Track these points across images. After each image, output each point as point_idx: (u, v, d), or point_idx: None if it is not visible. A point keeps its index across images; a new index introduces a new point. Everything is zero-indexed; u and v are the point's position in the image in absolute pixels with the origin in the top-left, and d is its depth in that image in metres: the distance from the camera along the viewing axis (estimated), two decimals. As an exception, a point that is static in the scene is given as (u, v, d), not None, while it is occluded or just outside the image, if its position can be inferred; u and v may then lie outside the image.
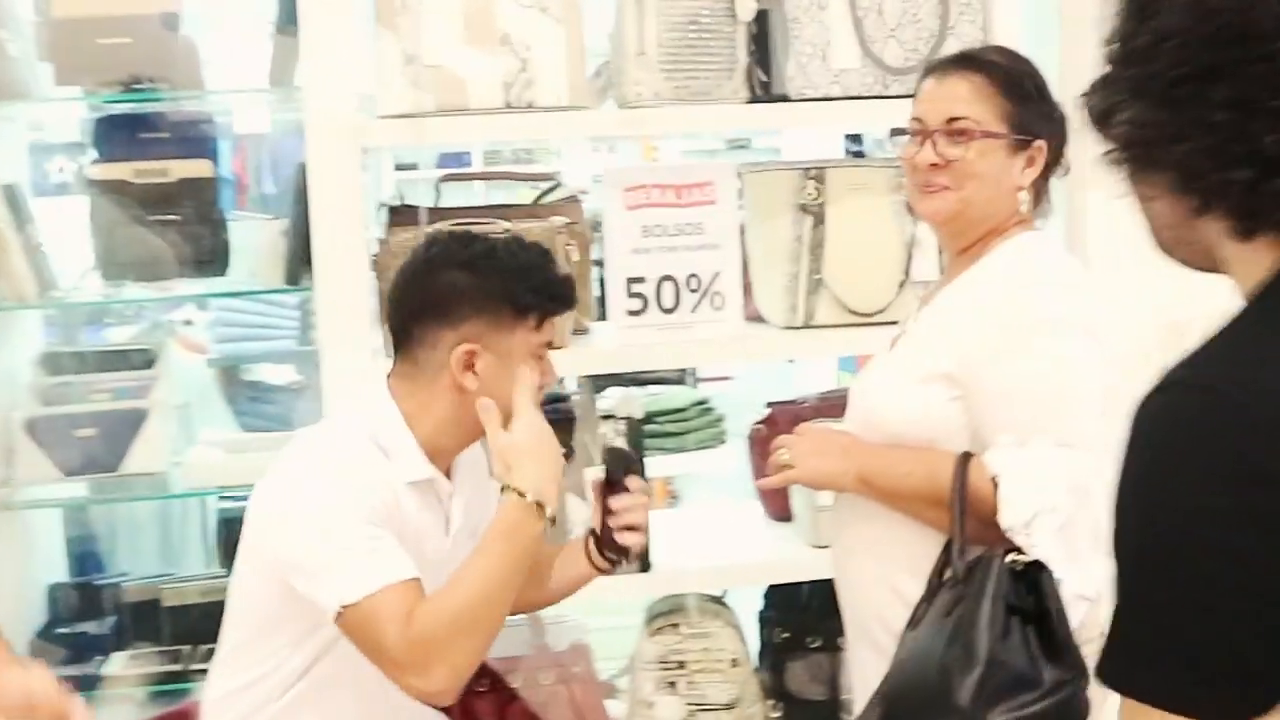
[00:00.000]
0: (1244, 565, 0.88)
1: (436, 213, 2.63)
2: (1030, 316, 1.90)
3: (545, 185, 2.83)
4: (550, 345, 2.00)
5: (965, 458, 1.86)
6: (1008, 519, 1.77)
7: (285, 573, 1.85)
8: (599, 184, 5.14)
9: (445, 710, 2.00)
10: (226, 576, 2.00)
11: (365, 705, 1.95)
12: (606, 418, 2.69)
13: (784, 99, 2.69)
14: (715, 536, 2.93)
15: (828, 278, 2.71)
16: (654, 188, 2.66)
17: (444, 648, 1.77)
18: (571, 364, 2.64)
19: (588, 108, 2.63)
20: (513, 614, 2.00)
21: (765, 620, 2.89)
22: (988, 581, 1.72)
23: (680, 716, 2.67)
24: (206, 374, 3.51)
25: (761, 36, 2.70)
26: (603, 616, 3.08)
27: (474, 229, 2.23)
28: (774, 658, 2.82)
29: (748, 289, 2.79)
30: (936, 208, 2.02)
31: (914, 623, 1.86)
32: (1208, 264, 1.06)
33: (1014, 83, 2.01)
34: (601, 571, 2.12)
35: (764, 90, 2.71)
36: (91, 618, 3.00)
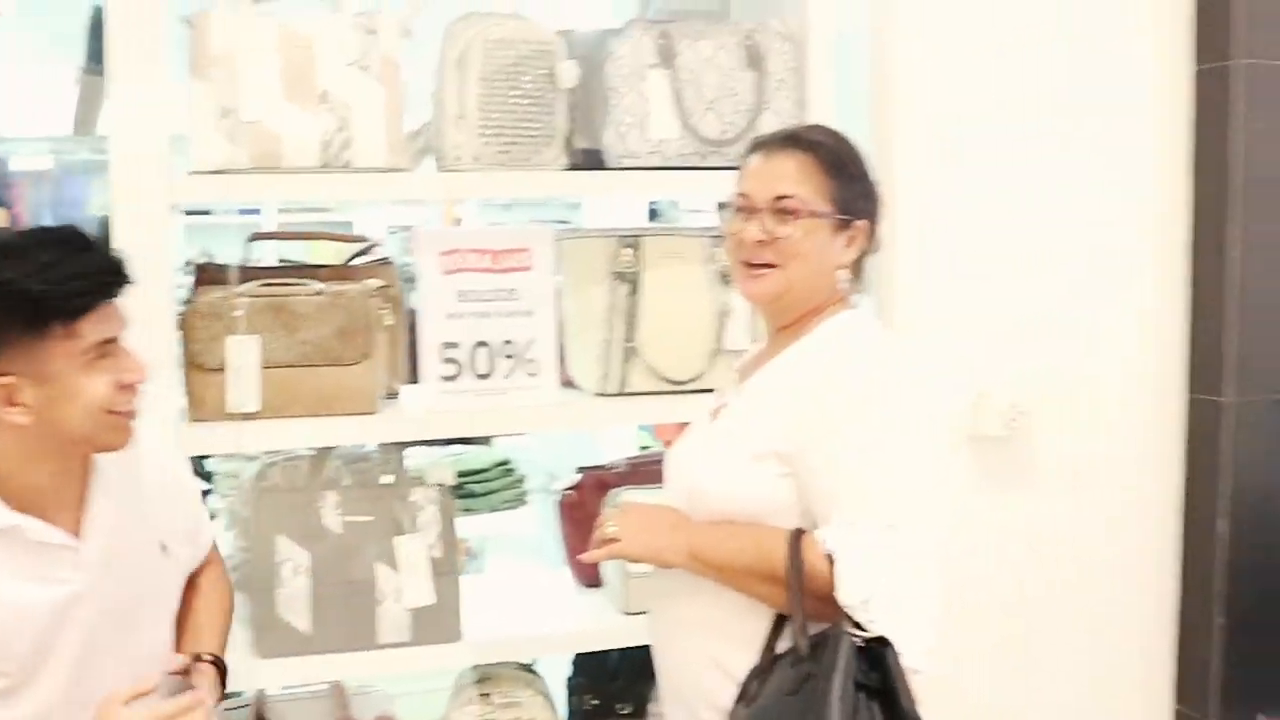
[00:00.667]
0: None
1: (247, 271, 2.55)
2: (853, 397, 1.92)
3: (358, 246, 2.77)
4: (109, 341, 1.80)
5: (798, 534, 1.88)
6: (846, 596, 1.79)
7: None
8: (393, 235, 5.11)
9: None
10: None
11: None
12: (416, 483, 2.64)
13: (602, 166, 2.70)
14: (525, 603, 2.90)
15: (641, 345, 2.73)
16: (470, 252, 2.64)
17: None
18: (384, 430, 2.59)
19: (405, 169, 2.59)
20: None
21: (574, 687, 2.88)
22: (838, 658, 1.74)
23: (490, 788, 2.63)
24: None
25: (581, 104, 2.71)
26: (407, 682, 3.02)
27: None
28: (583, 725, 2.80)
29: (562, 354, 2.78)
30: (763, 289, 2.05)
31: (747, 698, 1.87)
32: None
33: (838, 163, 2.05)
34: None
35: (583, 157, 2.71)
36: None
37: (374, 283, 2.59)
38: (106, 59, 2.42)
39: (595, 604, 2.85)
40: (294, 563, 2.52)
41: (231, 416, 2.47)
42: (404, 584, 2.55)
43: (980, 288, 3.02)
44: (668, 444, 4.05)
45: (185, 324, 2.49)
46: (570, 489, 2.94)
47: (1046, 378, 3.06)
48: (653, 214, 4.48)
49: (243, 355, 2.48)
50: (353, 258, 2.74)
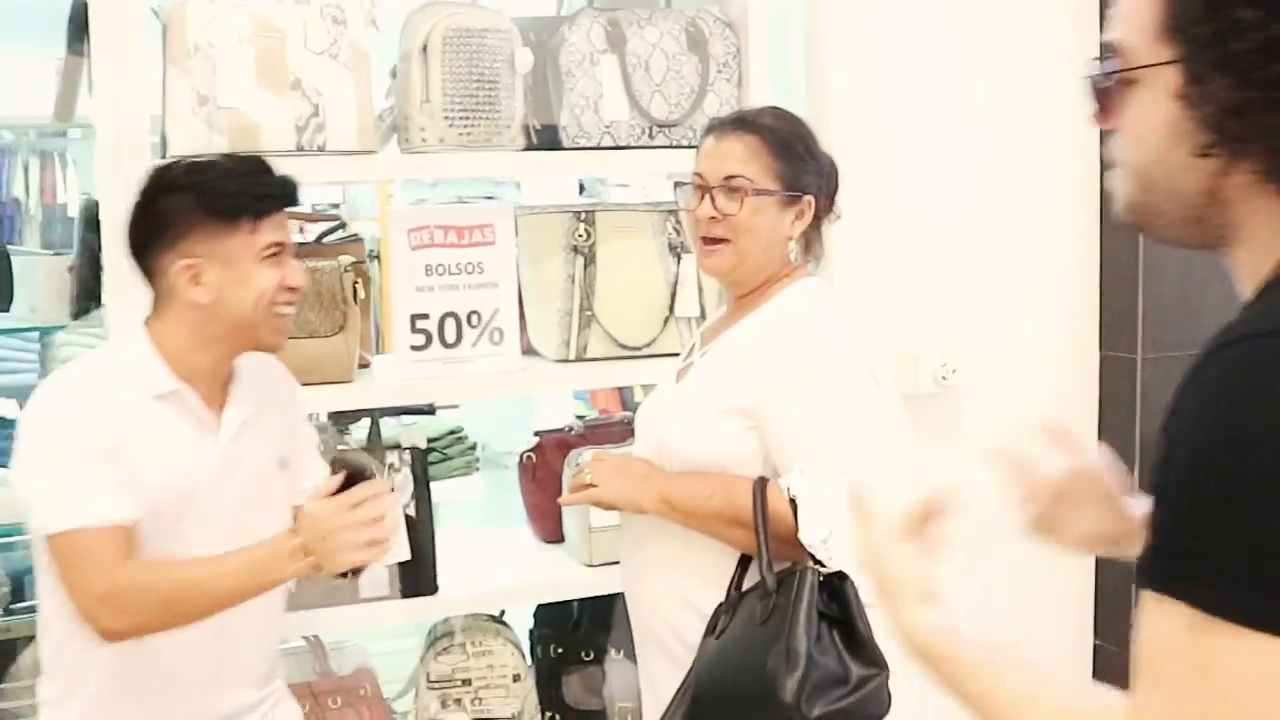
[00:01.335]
0: None
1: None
2: (810, 356, 2.12)
3: (328, 225, 2.92)
4: (280, 245, 2.09)
5: (762, 481, 2.07)
6: (808, 536, 1.98)
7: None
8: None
9: None
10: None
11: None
12: (391, 447, 2.81)
13: (558, 147, 2.87)
14: (491, 559, 3.07)
15: (598, 313, 2.91)
16: (437, 228, 2.80)
17: (141, 607, 1.95)
18: (357, 397, 2.75)
19: (374, 151, 2.75)
20: None
21: (539, 638, 3.06)
22: (803, 590, 1.93)
23: (466, 732, 2.80)
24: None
25: (537, 88, 2.87)
26: (381, 639, 3.19)
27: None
28: (549, 672, 2.98)
29: (523, 324, 2.95)
30: (717, 263, 2.24)
31: (715, 631, 2.06)
32: (1212, 240, 1.17)
33: (784, 144, 2.23)
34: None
35: (539, 138, 2.88)
36: None
37: (346, 259, 2.75)
38: (89, 47, 2.55)
39: (557, 558, 3.03)
40: (278, 524, 2.67)
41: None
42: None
43: (912, 255, 3.23)
44: (603, 411, 4.26)
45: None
46: (530, 451, 3.11)
47: (973, 338, 3.27)
48: (581, 187, 4.60)
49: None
50: (322, 235, 2.89)
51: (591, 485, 2.23)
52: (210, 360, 2.10)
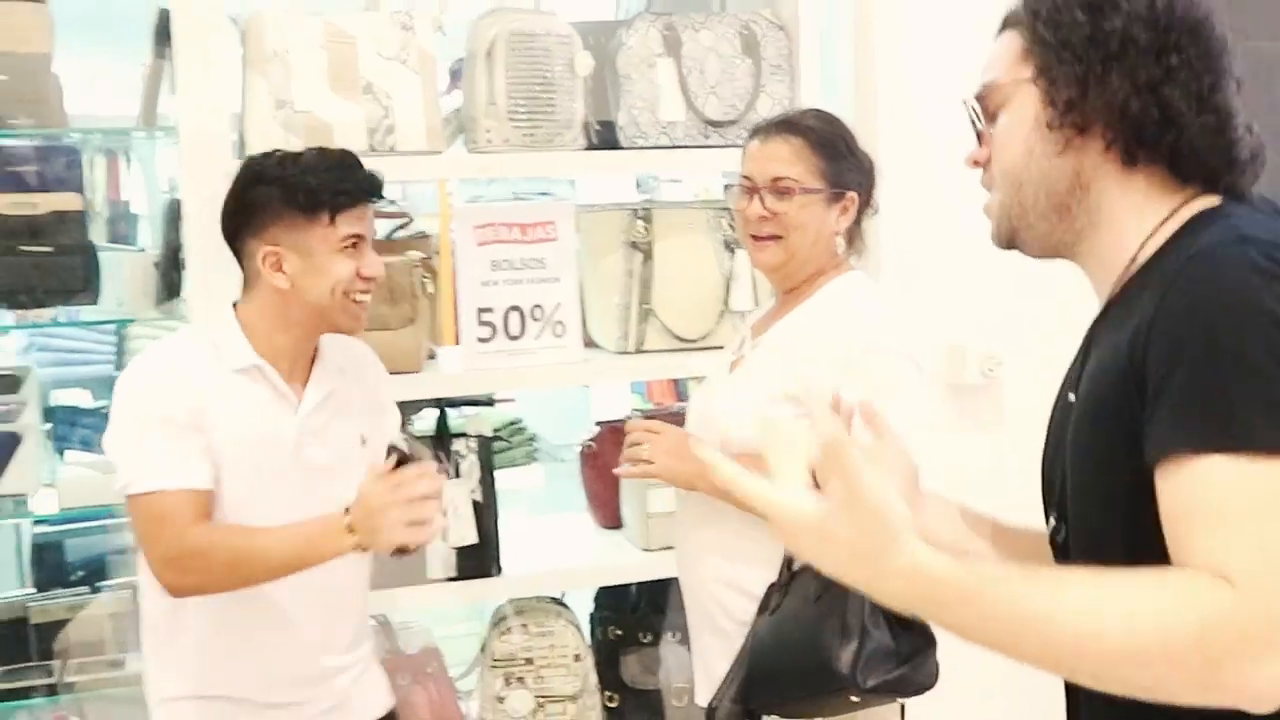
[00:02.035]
0: None
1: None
2: (858, 346, 2.23)
3: (397, 222, 3.04)
4: (358, 237, 2.23)
5: (814, 464, 2.17)
6: None
7: None
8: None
9: None
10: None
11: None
12: (458, 435, 2.93)
13: (616, 146, 2.98)
14: (553, 544, 3.19)
15: (656, 307, 3.02)
16: (501, 225, 2.92)
17: (204, 570, 2.11)
18: (427, 387, 2.87)
19: (440, 152, 2.87)
20: None
21: (598, 620, 3.17)
22: None
23: (529, 708, 2.92)
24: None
25: (597, 91, 2.98)
26: (438, 625, 3.31)
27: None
28: (608, 653, 3.09)
29: (583, 317, 3.07)
30: (768, 258, 2.36)
31: (769, 609, 2.17)
32: (1074, 236, 1.43)
33: (827, 144, 2.35)
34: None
35: (599, 139, 2.99)
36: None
37: (415, 254, 2.87)
38: (171, 53, 2.68)
39: (615, 543, 3.15)
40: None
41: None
42: (449, 525, 2.84)
43: (959, 250, 3.30)
44: (658, 404, 4.36)
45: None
46: (591, 440, 3.23)
47: (1019, 331, 3.36)
48: (636, 184, 4.70)
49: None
50: (392, 232, 3.01)
51: (648, 461, 2.34)
52: (291, 340, 2.25)
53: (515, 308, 2.91)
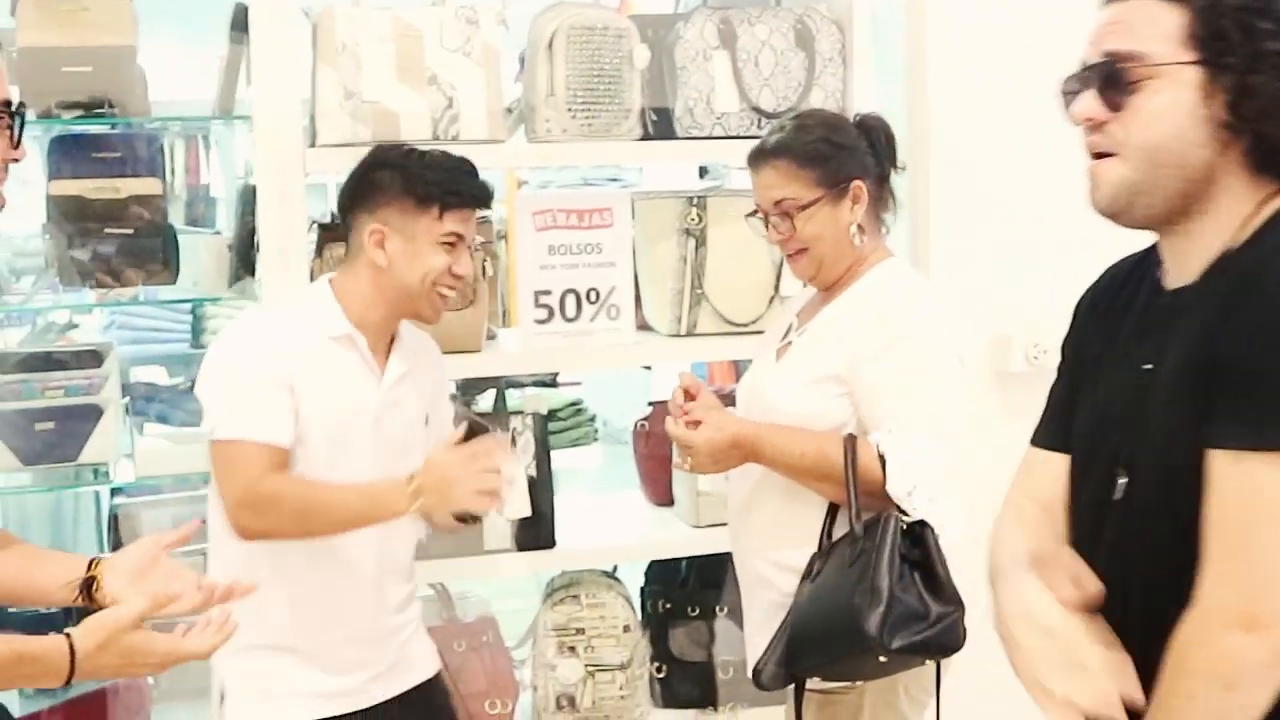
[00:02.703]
0: None
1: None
2: (897, 332, 2.33)
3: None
4: (459, 237, 2.39)
5: (851, 438, 2.28)
6: (894, 487, 2.20)
7: None
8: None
9: None
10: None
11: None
12: (515, 413, 3.05)
13: (673, 136, 3.09)
14: (606, 519, 3.31)
15: (708, 292, 3.12)
16: (559, 211, 3.03)
17: (275, 515, 2.26)
18: (487, 365, 3.00)
19: (502, 141, 2.98)
20: None
21: (649, 594, 3.28)
22: (886, 536, 2.15)
23: (580, 676, 3.04)
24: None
25: (654, 82, 3.09)
26: (494, 599, 3.43)
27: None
28: (657, 625, 3.20)
29: (637, 301, 3.17)
30: (801, 271, 2.49)
31: (812, 575, 2.28)
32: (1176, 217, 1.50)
33: (809, 153, 2.41)
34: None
35: (655, 128, 3.10)
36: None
37: (477, 239, 2.98)
38: (248, 43, 2.82)
39: (667, 519, 3.26)
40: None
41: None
42: (506, 498, 2.95)
43: (1006, 238, 3.38)
44: (716, 387, 4.46)
45: (315, 275, 2.88)
46: (644, 419, 3.34)
47: (1064, 319, 3.41)
48: (702, 172, 4.80)
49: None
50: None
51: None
52: (379, 316, 2.41)
53: (571, 290, 3.03)
